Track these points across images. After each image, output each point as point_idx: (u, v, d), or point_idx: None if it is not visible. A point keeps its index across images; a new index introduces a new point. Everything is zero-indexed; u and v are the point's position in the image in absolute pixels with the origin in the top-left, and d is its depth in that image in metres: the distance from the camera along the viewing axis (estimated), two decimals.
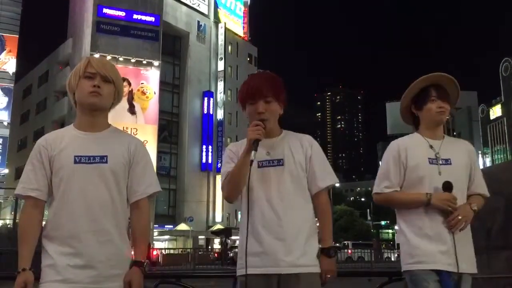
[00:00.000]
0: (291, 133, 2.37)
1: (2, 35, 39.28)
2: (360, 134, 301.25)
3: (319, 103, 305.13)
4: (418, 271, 2.28)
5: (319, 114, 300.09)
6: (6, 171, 39.10)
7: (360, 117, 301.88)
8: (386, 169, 2.45)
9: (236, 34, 54.16)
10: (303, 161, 2.27)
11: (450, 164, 2.39)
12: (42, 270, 1.95)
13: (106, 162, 2.02)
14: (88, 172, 1.99)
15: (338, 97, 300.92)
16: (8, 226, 27.94)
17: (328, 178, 2.29)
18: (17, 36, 40.30)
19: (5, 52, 39.40)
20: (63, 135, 2.09)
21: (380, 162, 2.56)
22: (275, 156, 2.26)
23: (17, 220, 26.28)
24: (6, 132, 39.11)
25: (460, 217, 2.28)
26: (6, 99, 39.20)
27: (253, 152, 2.12)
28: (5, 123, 39.07)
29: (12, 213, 28.22)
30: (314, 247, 2.21)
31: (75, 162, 1.99)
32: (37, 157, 2.03)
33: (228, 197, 2.25)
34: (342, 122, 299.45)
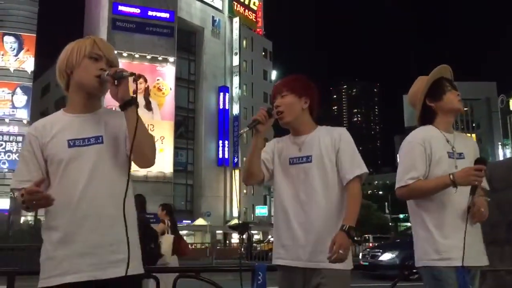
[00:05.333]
0: (324, 128, 2.41)
1: (20, 35, 39.80)
2: (377, 127, 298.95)
3: (335, 96, 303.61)
4: (443, 268, 2.22)
5: (335, 107, 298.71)
6: None
7: (376, 110, 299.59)
8: (411, 160, 2.33)
9: (251, 29, 54.08)
10: (332, 154, 2.30)
11: (464, 158, 2.35)
12: (41, 264, 1.86)
13: (102, 142, 1.92)
14: (84, 155, 1.88)
15: (354, 90, 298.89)
16: (30, 222, 28.42)
17: (356, 168, 2.28)
18: (35, 35, 40.79)
19: (23, 51, 39.94)
20: (53, 120, 1.98)
21: (398, 156, 2.48)
22: (305, 153, 2.32)
23: (38, 217, 26.78)
24: (26, 130, 39.72)
25: (483, 209, 2.22)
26: (25, 97, 39.78)
27: (246, 128, 2.27)
28: (25, 121, 39.63)
29: None
30: None
31: (69, 146, 1.89)
32: (27, 148, 1.93)
33: (243, 179, 2.38)
34: (359, 115, 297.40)
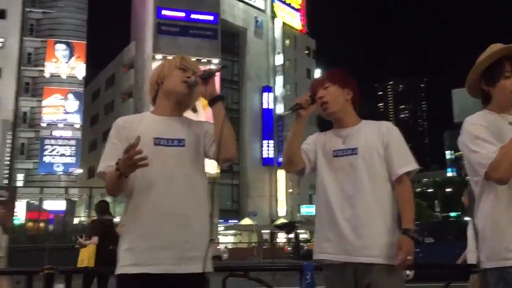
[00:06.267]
0: (369, 122, 2.38)
1: (71, 42, 41.33)
2: (425, 123, 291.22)
3: (380, 92, 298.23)
4: None
5: (381, 104, 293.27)
6: (80, 171, 41.23)
7: (424, 106, 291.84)
8: (483, 139, 1.97)
9: (293, 28, 53.90)
10: (381, 148, 2.25)
11: None
12: (119, 254, 1.99)
13: (184, 145, 2.06)
14: (167, 155, 2.02)
15: (400, 86, 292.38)
16: (83, 223, 29.44)
17: (406, 164, 2.23)
18: (85, 42, 42.25)
19: (74, 58, 41.44)
20: (141, 118, 2.13)
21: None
22: (349, 145, 2.28)
23: (91, 217, 27.78)
24: (78, 134, 41.19)
25: None
26: (77, 102, 41.24)
27: (288, 111, 2.31)
28: (77, 126, 41.14)
29: (86, 210, 29.74)
30: (389, 236, 2.17)
31: (155, 144, 2.01)
32: (116, 136, 2.05)
33: (282, 165, 2.40)
34: (406, 112, 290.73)
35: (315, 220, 2.37)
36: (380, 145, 2.25)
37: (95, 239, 6.35)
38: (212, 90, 2.06)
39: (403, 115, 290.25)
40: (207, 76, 2.06)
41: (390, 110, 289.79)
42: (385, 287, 2.12)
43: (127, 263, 1.95)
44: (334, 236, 2.20)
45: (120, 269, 1.96)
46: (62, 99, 40.56)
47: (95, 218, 6.95)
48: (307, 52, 55.40)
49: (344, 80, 2.39)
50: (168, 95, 2.13)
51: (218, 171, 41.01)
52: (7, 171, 37.22)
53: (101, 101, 53.93)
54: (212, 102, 2.05)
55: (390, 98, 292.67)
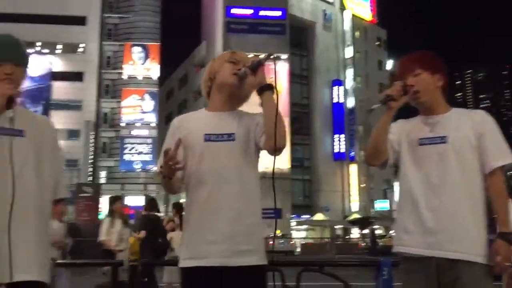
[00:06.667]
0: (460, 110, 2.24)
1: (145, 44, 43.08)
2: (509, 112, 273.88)
3: (458, 82, 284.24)
4: None
5: (459, 94, 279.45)
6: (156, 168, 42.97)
7: (507, 94, 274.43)
8: None
9: (363, 19, 52.65)
10: (473, 139, 2.11)
11: None
12: (181, 248, 2.09)
13: (234, 139, 2.07)
14: (217, 150, 2.06)
15: (479, 75, 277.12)
16: (161, 218, 30.64)
17: (503, 157, 2.09)
18: (159, 44, 43.84)
19: (149, 59, 43.19)
20: (196, 115, 2.22)
21: None
22: (438, 133, 2.15)
23: (168, 213, 28.85)
24: (154, 133, 42.92)
25: None
26: (153, 102, 42.97)
27: (378, 104, 2.20)
28: (153, 125, 42.86)
29: (164, 205, 30.94)
30: (480, 232, 2.05)
31: (205, 140, 2.06)
32: (171, 137, 2.13)
33: (367, 158, 2.26)
34: (486, 101, 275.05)
35: (395, 210, 2.27)
36: (473, 135, 2.11)
37: (142, 233, 6.94)
38: (261, 79, 2.02)
39: (483, 105, 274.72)
40: (256, 66, 2.05)
41: (469, 100, 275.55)
42: (477, 287, 1.99)
43: (185, 256, 2.03)
44: (416, 228, 2.09)
45: (180, 263, 2.05)
46: (139, 99, 42.41)
47: (144, 214, 7.59)
48: (378, 43, 53.91)
49: (435, 65, 2.25)
50: (220, 88, 2.17)
51: (289, 166, 41.09)
52: (91, 169, 39.62)
53: (175, 100, 55.72)
54: (260, 90, 2.01)
55: (468, 88, 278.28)
